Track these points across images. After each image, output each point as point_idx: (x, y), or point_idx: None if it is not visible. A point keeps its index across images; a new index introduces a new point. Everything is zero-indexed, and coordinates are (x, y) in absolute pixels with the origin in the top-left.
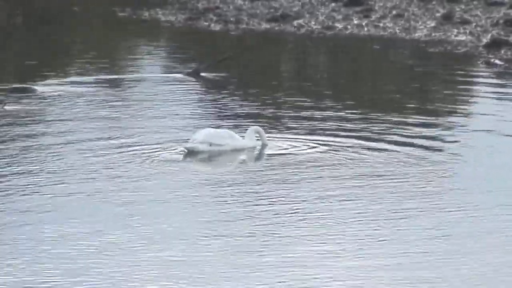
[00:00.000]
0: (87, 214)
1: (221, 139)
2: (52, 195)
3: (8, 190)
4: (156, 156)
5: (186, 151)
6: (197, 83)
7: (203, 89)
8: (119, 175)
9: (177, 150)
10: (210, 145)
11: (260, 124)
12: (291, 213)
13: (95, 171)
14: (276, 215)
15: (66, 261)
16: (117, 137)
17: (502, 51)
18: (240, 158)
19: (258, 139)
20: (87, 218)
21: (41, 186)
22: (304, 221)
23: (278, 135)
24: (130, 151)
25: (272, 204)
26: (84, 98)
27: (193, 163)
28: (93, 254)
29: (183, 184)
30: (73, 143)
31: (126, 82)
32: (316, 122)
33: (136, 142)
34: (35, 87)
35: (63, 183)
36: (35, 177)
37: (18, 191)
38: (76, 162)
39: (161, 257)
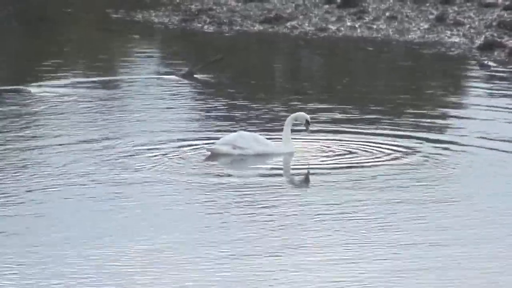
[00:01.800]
0: (87, 219)
1: (246, 143)
2: (61, 198)
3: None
4: (155, 159)
5: (208, 152)
6: (190, 84)
7: (197, 90)
8: (118, 180)
9: (201, 151)
10: (234, 148)
11: (252, 124)
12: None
13: (91, 174)
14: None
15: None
16: (110, 139)
17: (496, 53)
18: (262, 161)
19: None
20: (88, 224)
21: (35, 190)
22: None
23: (270, 136)
24: (124, 153)
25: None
26: (78, 100)
27: (194, 167)
28: (94, 261)
29: (177, 189)
30: (68, 144)
31: (119, 84)
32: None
33: (130, 144)
34: (29, 88)
35: (62, 186)
36: (27, 180)
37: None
38: (70, 164)
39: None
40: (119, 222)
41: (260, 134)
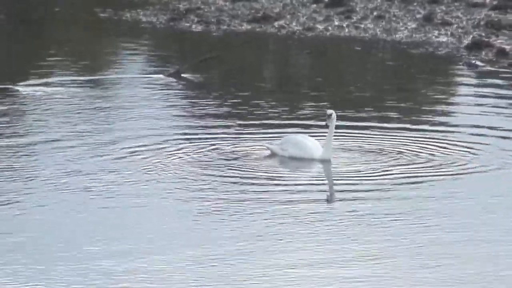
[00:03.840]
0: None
1: (286, 145)
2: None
3: None
4: (143, 159)
5: (269, 151)
6: (178, 84)
7: (185, 90)
8: (108, 180)
9: (262, 147)
10: (282, 149)
11: (239, 124)
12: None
13: (83, 174)
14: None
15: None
16: (97, 139)
17: (483, 53)
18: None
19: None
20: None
21: (26, 193)
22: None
23: (260, 136)
24: (111, 153)
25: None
26: (65, 99)
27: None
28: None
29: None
30: (56, 145)
31: (107, 83)
32: (297, 121)
33: (117, 143)
34: (17, 87)
35: (53, 189)
36: (17, 179)
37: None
38: (59, 165)
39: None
40: (110, 222)
41: (250, 133)
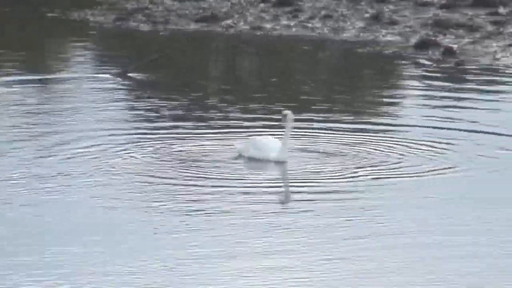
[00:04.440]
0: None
1: (249, 145)
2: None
3: None
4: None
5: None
6: (125, 83)
7: (132, 90)
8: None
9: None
10: (245, 150)
11: (186, 124)
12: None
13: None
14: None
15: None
16: (44, 140)
17: (431, 52)
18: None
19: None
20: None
21: None
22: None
23: (203, 136)
24: (59, 154)
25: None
26: (13, 99)
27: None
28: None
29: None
30: (2, 147)
31: (55, 83)
32: (246, 122)
33: (65, 144)
34: None
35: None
36: None
37: None
38: (5, 166)
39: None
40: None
41: (193, 134)
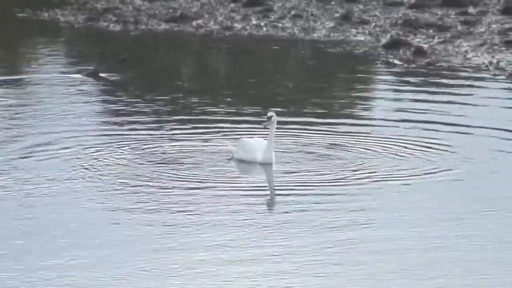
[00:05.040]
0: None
1: (238, 147)
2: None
3: None
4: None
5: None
6: (96, 83)
7: (103, 89)
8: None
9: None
10: (234, 151)
11: (160, 125)
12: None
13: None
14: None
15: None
16: (15, 140)
17: (401, 51)
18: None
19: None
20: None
21: None
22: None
23: (178, 136)
24: (32, 155)
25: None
26: None
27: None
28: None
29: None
30: None
31: (25, 83)
32: (216, 123)
33: (37, 145)
34: None
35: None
36: None
37: None
38: None
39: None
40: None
41: (165, 131)
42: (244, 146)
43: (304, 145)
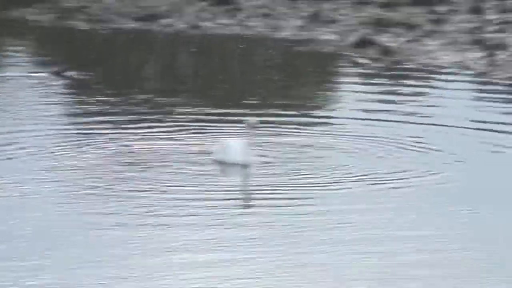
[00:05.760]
0: None
1: (219, 149)
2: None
3: None
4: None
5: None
6: (63, 83)
7: (69, 89)
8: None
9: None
10: (215, 152)
11: (125, 123)
12: None
13: None
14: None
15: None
16: None
17: (369, 50)
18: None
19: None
20: None
21: None
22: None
23: (146, 134)
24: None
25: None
26: None
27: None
28: None
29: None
30: None
31: None
32: (184, 122)
33: (2, 145)
34: None
35: None
36: None
37: None
38: None
39: None
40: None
41: (133, 130)
42: (225, 148)
43: (273, 145)
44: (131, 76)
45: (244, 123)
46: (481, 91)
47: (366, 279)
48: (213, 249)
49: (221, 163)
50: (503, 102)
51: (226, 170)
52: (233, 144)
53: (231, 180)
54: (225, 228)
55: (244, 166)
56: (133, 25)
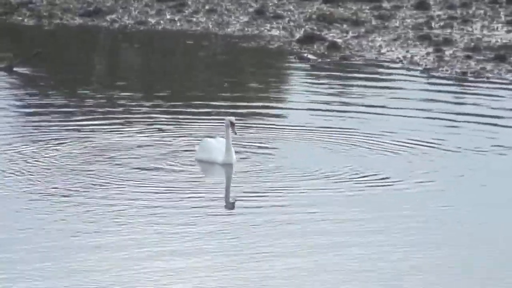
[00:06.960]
0: None
1: (199, 148)
2: None
3: None
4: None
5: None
6: (10, 78)
7: (16, 84)
8: None
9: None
10: (196, 152)
11: (71, 118)
12: None
13: None
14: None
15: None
16: None
17: (315, 46)
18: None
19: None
20: None
21: None
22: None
23: (101, 129)
24: None
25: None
26: None
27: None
28: None
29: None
30: None
31: None
32: (130, 115)
33: None
34: None
35: None
36: None
37: None
38: None
39: None
40: None
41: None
42: (205, 147)
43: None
44: (76, 71)
45: (224, 122)
46: (430, 84)
47: (352, 284)
48: (194, 254)
49: (202, 162)
50: (452, 94)
51: (209, 170)
52: (214, 142)
53: (213, 180)
54: (205, 233)
55: (226, 165)
56: (78, 20)
